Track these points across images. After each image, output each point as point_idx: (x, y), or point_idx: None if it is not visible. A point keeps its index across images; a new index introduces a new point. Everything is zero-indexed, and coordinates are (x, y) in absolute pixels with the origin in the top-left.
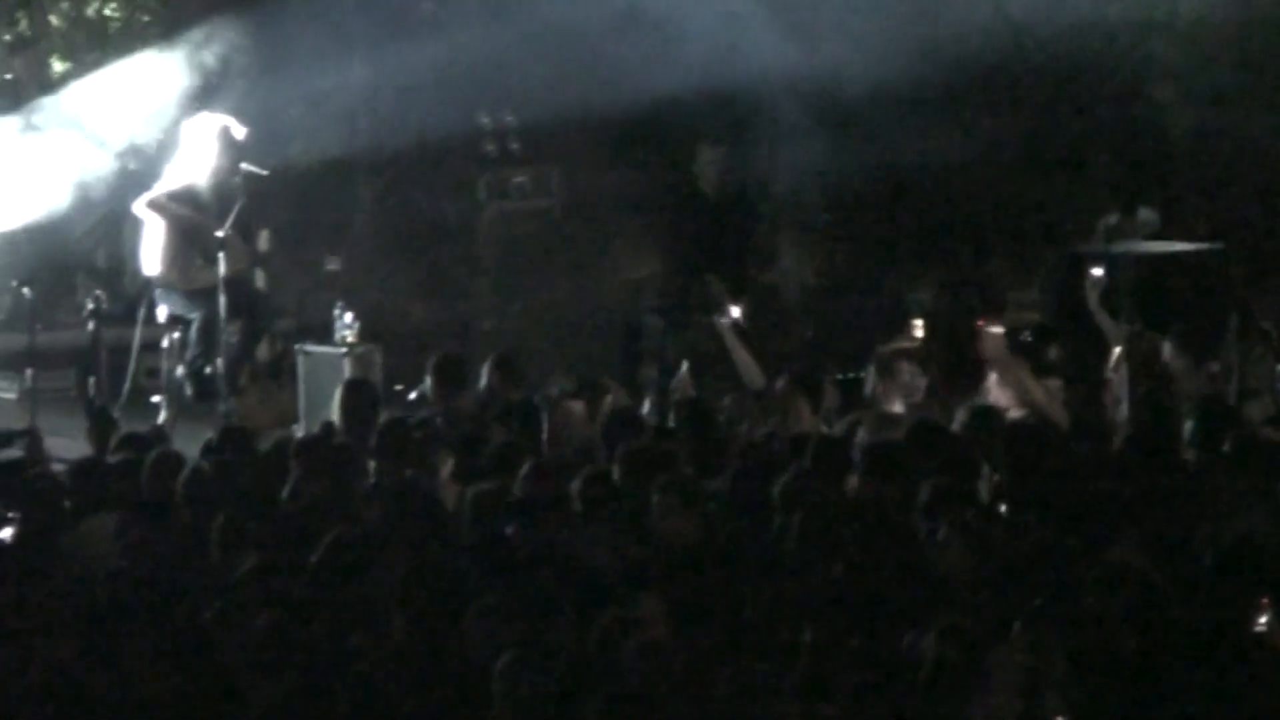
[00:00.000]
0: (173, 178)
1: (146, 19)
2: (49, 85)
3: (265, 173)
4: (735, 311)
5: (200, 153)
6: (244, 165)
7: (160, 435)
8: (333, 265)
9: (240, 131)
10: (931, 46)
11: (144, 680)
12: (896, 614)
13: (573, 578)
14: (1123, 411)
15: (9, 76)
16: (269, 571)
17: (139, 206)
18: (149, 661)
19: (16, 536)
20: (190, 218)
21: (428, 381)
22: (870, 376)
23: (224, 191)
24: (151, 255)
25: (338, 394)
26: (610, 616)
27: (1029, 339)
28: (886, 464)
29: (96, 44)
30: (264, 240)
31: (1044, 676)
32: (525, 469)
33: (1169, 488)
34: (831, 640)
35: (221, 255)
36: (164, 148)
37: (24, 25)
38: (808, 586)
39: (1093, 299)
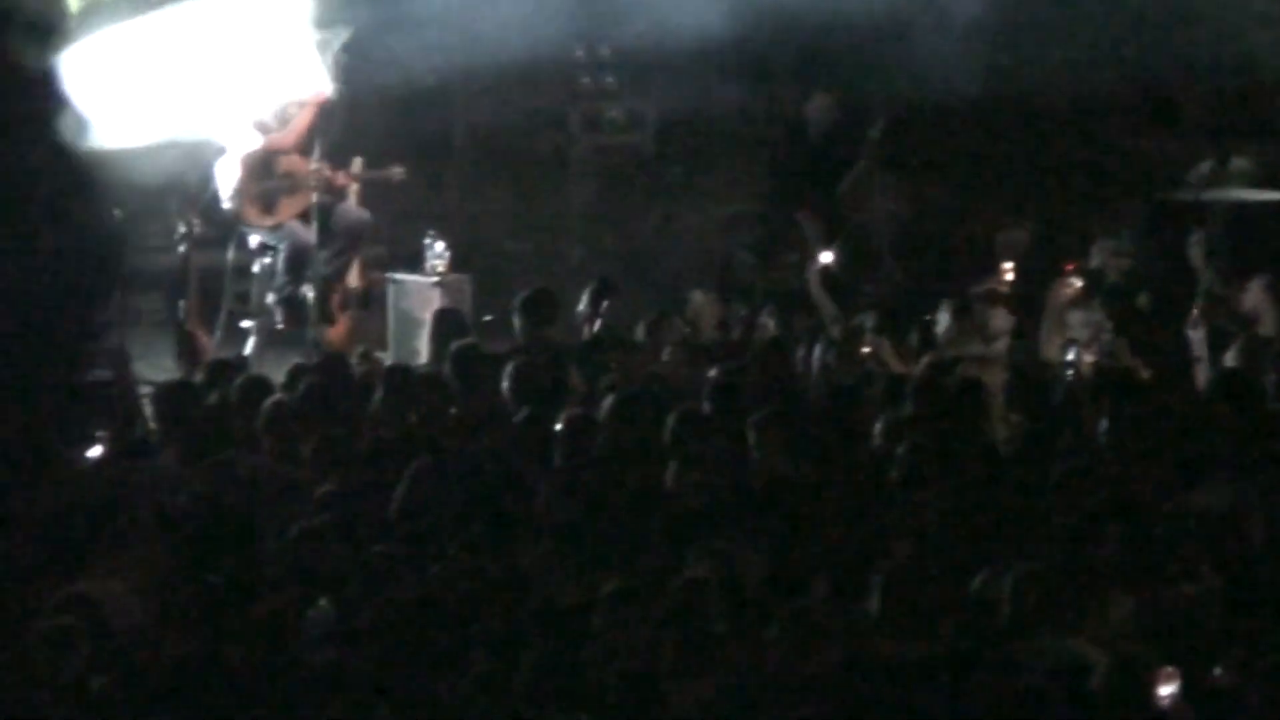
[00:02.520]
0: (258, 107)
1: None
2: (149, 4)
3: (338, 98)
4: (826, 257)
5: (268, 88)
6: (329, 92)
7: (243, 364)
8: (398, 176)
9: (307, 61)
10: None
11: (220, 606)
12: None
13: (664, 513)
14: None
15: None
16: (348, 498)
17: (231, 139)
18: (229, 587)
19: (103, 456)
20: (273, 151)
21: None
22: (943, 318)
23: (305, 119)
24: (231, 193)
25: (427, 323)
26: (703, 552)
27: (1118, 285)
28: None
29: None
30: (356, 166)
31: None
32: (612, 402)
33: (1256, 435)
34: (918, 576)
35: (310, 184)
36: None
37: None
38: (901, 523)
39: (1197, 254)
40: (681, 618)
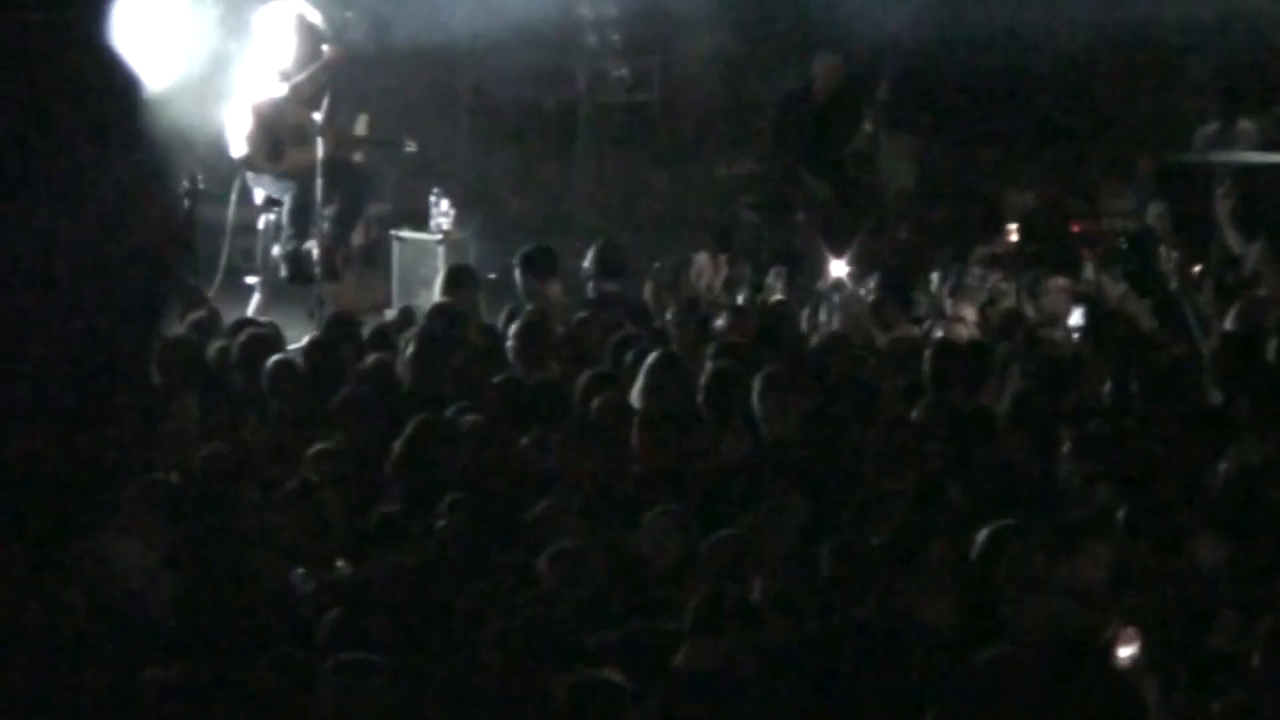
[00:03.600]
0: (258, 66)
1: None
2: None
3: (343, 54)
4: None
5: (279, 40)
6: (325, 48)
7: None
8: (410, 148)
9: (316, 16)
10: None
11: (219, 559)
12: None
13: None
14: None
15: None
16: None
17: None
18: (224, 541)
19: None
20: (279, 106)
21: (517, 273)
22: (937, 282)
23: (314, 73)
24: (238, 137)
25: (436, 280)
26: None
27: (1125, 245)
28: (985, 370)
29: None
30: (361, 125)
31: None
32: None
33: (1257, 396)
34: (922, 533)
35: (318, 139)
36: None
37: None
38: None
39: (1224, 209)
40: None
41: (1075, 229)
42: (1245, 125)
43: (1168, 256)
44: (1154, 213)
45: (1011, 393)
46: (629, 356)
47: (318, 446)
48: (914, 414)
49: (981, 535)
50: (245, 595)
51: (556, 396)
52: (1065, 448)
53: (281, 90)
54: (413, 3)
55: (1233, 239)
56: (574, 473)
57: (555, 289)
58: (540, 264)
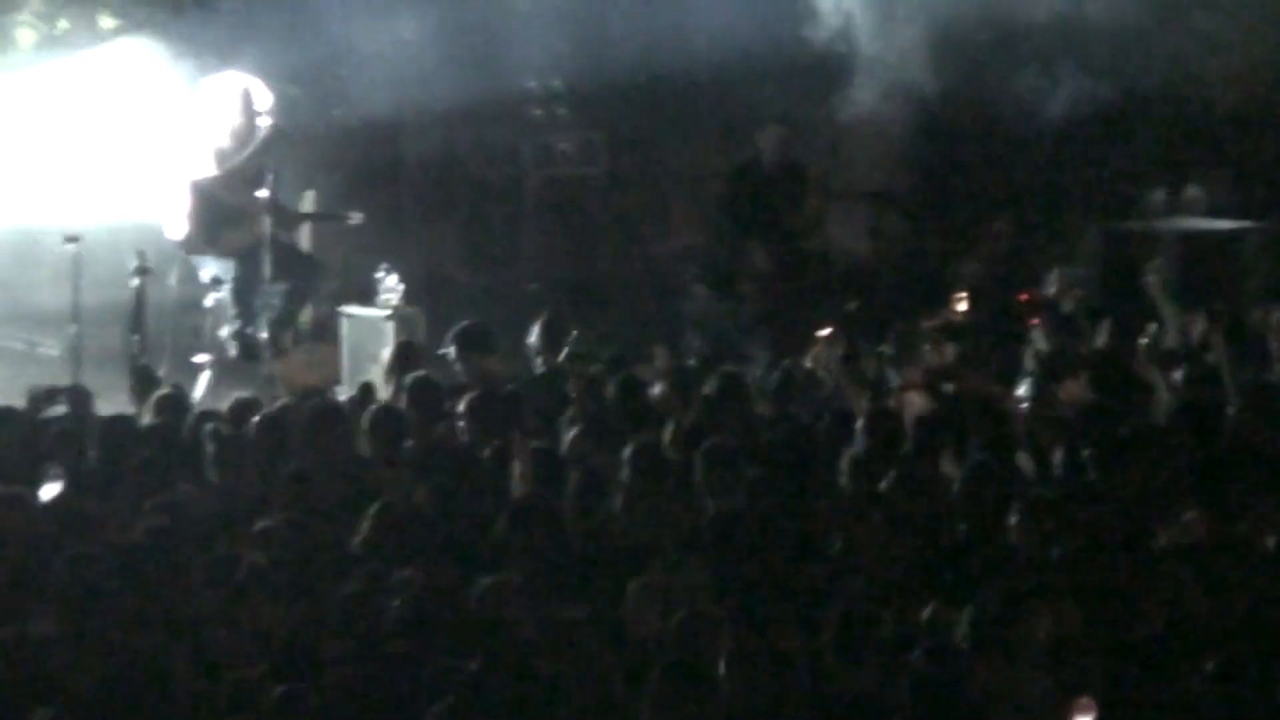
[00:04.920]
0: (197, 141)
1: None
2: (98, 39)
3: (285, 130)
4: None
5: (220, 113)
6: (265, 124)
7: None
8: (355, 220)
9: (264, 93)
10: (969, 16)
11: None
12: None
13: (617, 546)
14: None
15: (60, 30)
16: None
17: (174, 178)
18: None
19: (60, 494)
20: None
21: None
22: (890, 350)
23: (251, 152)
24: (176, 218)
25: (383, 356)
26: (650, 583)
27: (1070, 313)
28: (939, 439)
29: (145, 1)
30: (308, 201)
31: (1071, 650)
32: (572, 434)
33: (1215, 468)
34: (870, 609)
35: (263, 217)
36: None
37: None
38: (861, 557)
39: (1155, 283)
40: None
41: (1023, 297)
42: (1192, 192)
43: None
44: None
45: (966, 462)
46: (573, 432)
47: (266, 523)
48: (883, 485)
49: (933, 605)
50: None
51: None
52: (1014, 516)
53: (219, 170)
54: (358, 78)
55: (1166, 311)
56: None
57: (494, 363)
58: (475, 340)
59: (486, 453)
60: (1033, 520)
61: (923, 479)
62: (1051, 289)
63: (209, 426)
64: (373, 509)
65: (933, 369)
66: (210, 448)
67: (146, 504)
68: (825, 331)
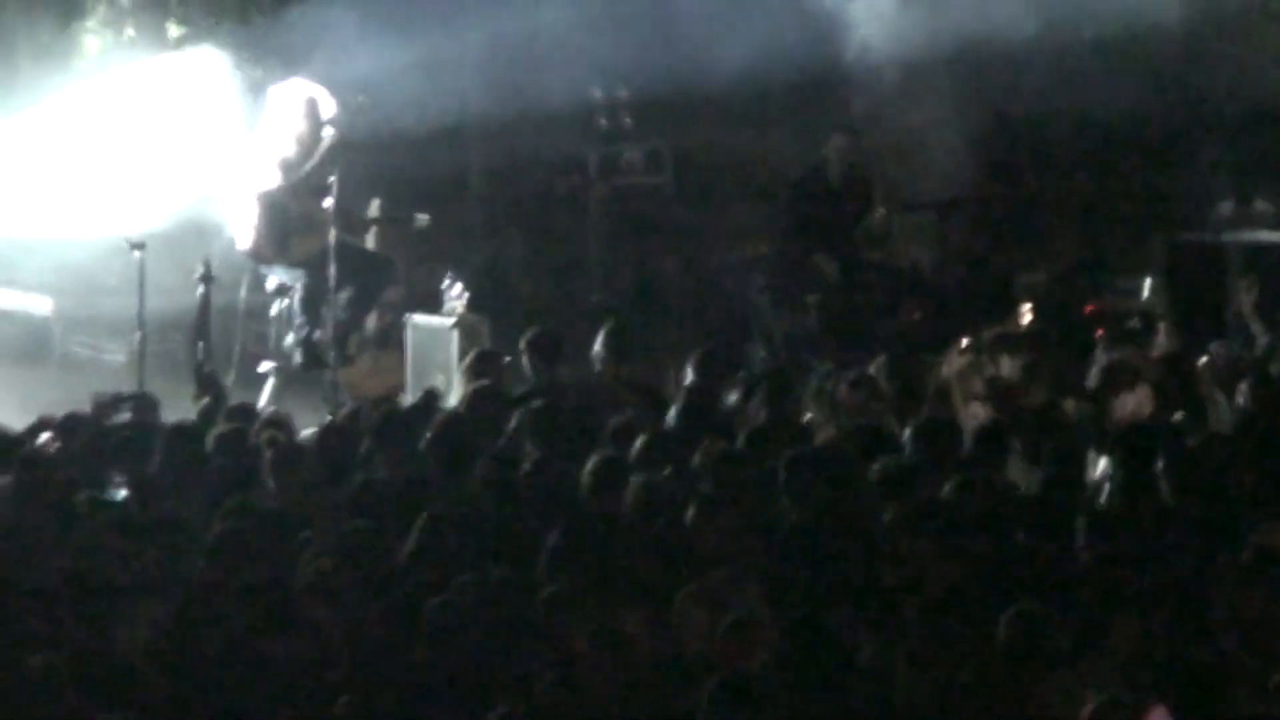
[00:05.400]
0: (263, 150)
1: None
2: (165, 48)
3: (351, 139)
4: None
5: (286, 121)
6: (330, 133)
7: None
8: (421, 222)
9: (329, 102)
10: (1046, 28)
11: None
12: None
13: (684, 554)
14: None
15: (127, 38)
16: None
17: (241, 188)
18: (242, 629)
19: (126, 500)
20: (283, 196)
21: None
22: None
23: (317, 161)
24: (244, 228)
25: (464, 363)
26: (699, 591)
27: (1137, 326)
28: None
29: (212, 8)
30: (374, 208)
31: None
32: (641, 442)
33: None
34: (936, 618)
35: (328, 226)
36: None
37: None
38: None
39: (1247, 302)
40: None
41: (1088, 309)
42: (1261, 205)
43: (1168, 334)
44: (1150, 289)
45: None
46: (639, 441)
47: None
48: (945, 493)
49: (1007, 617)
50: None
51: (568, 480)
52: (1080, 529)
53: (285, 180)
54: (424, 86)
55: (1256, 329)
56: (583, 556)
57: (562, 372)
58: (546, 348)
59: (550, 461)
60: (1097, 532)
61: (985, 488)
62: (1144, 296)
63: (267, 434)
64: (421, 519)
65: (995, 379)
66: (269, 455)
67: (217, 510)
68: (963, 343)
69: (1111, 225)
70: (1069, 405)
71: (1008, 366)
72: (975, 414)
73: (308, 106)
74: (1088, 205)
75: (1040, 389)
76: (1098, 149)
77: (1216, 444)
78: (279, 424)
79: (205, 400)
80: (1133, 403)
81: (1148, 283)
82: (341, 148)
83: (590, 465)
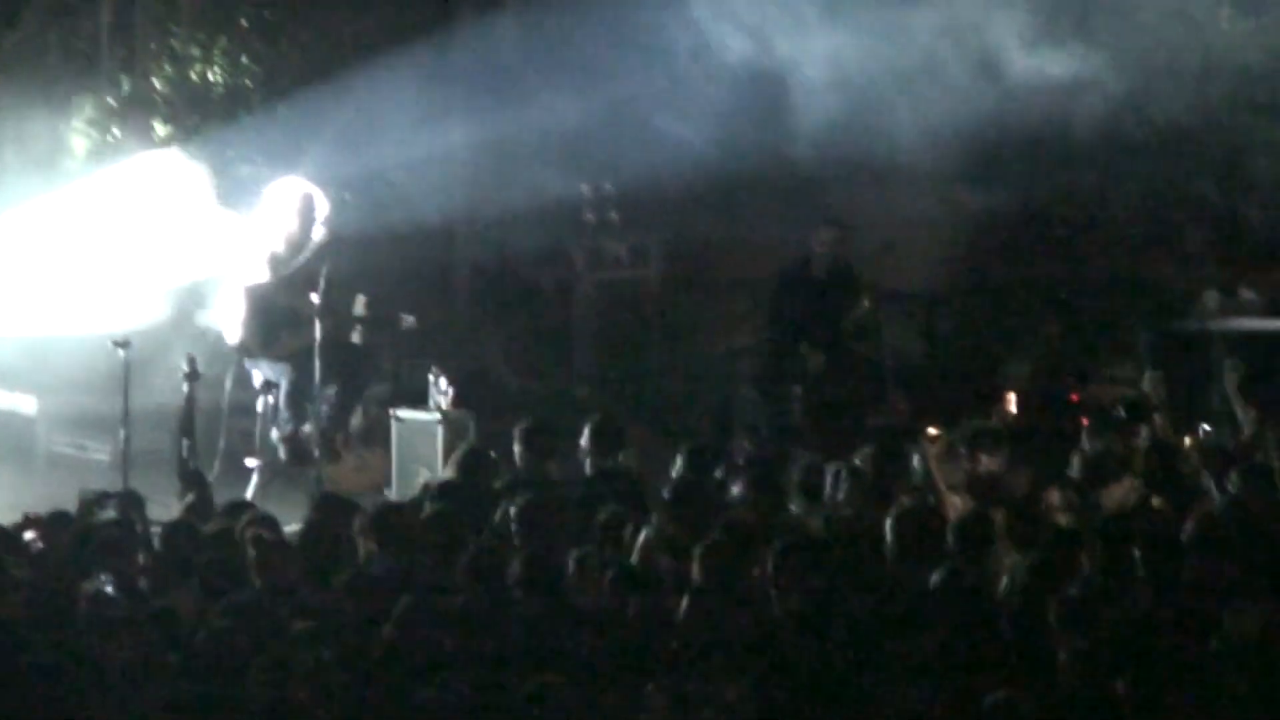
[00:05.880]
0: (254, 246)
1: (249, 84)
2: (151, 147)
3: (339, 236)
4: None
5: (280, 219)
6: (320, 230)
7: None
8: (408, 322)
9: (323, 201)
10: (1032, 120)
11: None
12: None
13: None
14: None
15: (113, 138)
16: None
17: (230, 283)
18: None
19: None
20: (272, 291)
21: (516, 448)
22: (920, 453)
23: (307, 257)
24: (232, 322)
25: (443, 459)
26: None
27: (1122, 415)
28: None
29: (198, 108)
30: (359, 305)
31: None
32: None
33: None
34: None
35: (315, 321)
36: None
37: (127, 88)
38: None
39: (1230, 384)
40: None
41: (1074, 398)
42: (1247, 293)
43: (1163, 425)
44: (1149, 381)
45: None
46: (625, 533)
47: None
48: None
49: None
50: None
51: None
52: (1053, 617)
53: (274, 275)
54: (409, 183)
55: (1240, 413)
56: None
57: (553, 466)
58: (538, 441)
59: (540, 555)
60: (1071, 622)
61: (966, 581)
62: (1145, 388)
63: (250, 532)
64: (402, 604)
65: (974, 474)
66: (251, 552)
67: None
68: (933, 431)
69: (1096, 315)
70: (1055, 496)
71: (985, 460)
72: (954, 504)
73: (302, 203)
74: (1072, 295)
75: (1023, 481)
76: (1083, 239)
77: (1205, 530)
78: (263, 521)
79: (190, 497)
80: (1119, 493)
81: (1147, 374)
82: (332, 245)
83: (575, 556)
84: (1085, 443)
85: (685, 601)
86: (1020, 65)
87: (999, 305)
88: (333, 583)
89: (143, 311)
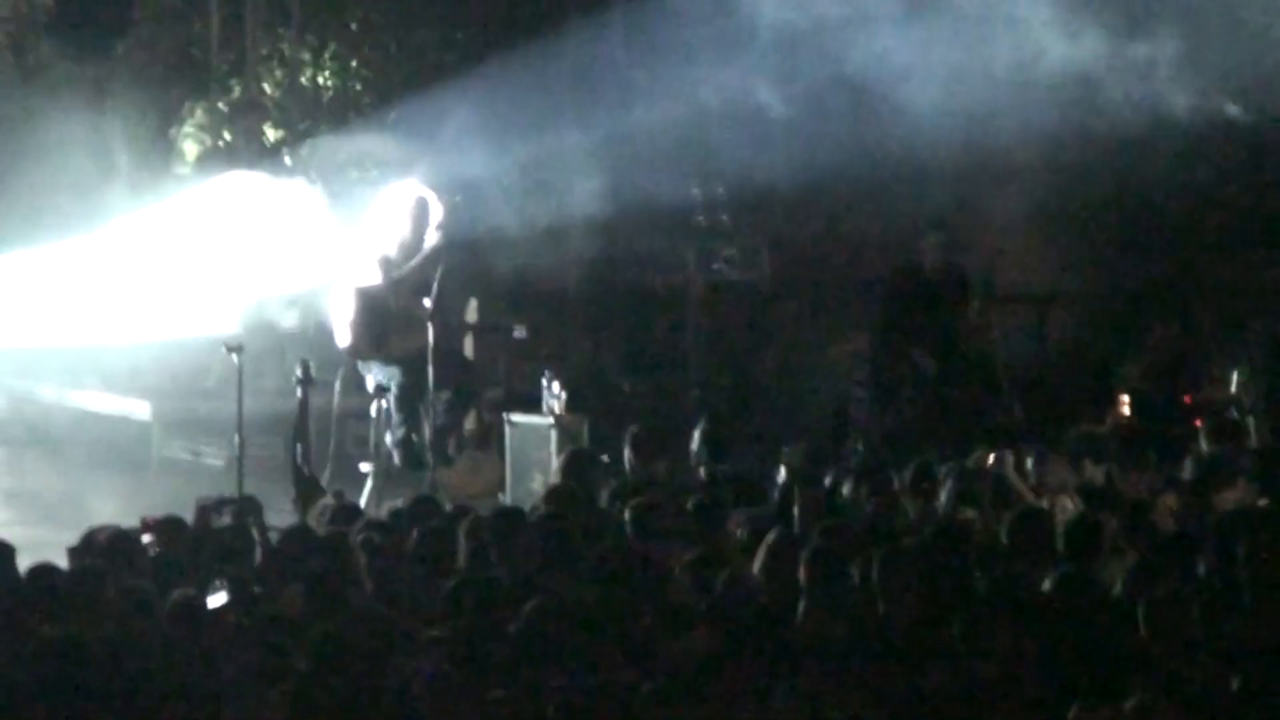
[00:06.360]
0: (366, 249)
1: (359, 87)
2: (263, 152)
3: (452, 240)
4: None
5: (394, 222)
6: (433, 234)
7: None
8: (519, 333)
9: (437, 205)
10: (1147, 118)
11: None
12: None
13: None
14: None
15: (224, 142)
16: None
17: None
18: None
19: (225, 603)
20: (384, 294)
21: (626, 452)
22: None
23: (420, 261)
24: (342, 327)
25: (557, 462)
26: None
27: (1235, 417)
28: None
29: (309, 112)
30: (472, 310)
31: None
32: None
33: None
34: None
35: (428, 325)
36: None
37: (238, 93)
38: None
39: None
40: None
41: (1188, 400)
42: None
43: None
44: (1237, 381)
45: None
46: (741, 534)
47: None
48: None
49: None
50: None
51: (668, 574)
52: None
53: (385, 278)
54: (521, 187)
55: None
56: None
57: (662, 469)
58: (648, 445)
59: (652, 557)
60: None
61: (1077, 583)
62: (1231, 389)
63: (362, 536)
64: (527, 609)
65: (1083, 481)
66: (364, 558)
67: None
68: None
69: (1210, 316)
70: (1169, 499)
71: (1090, 468)
72: (1064, 506)
73: (417, 207)
74: (1185, 296)
75: (1135, 484)
76: (1197, 237)
77: None
78: (377, 526)
79: (327, 501)
80: (1233, 497)
81: (1234, 375)
82: (444, 249)
83: (687, 559)
84: (1200, 445)
85: (800, 605)
86: (1132, 62)
87: (1111, 307)
88: (442, 587)
89: (255, 316)
